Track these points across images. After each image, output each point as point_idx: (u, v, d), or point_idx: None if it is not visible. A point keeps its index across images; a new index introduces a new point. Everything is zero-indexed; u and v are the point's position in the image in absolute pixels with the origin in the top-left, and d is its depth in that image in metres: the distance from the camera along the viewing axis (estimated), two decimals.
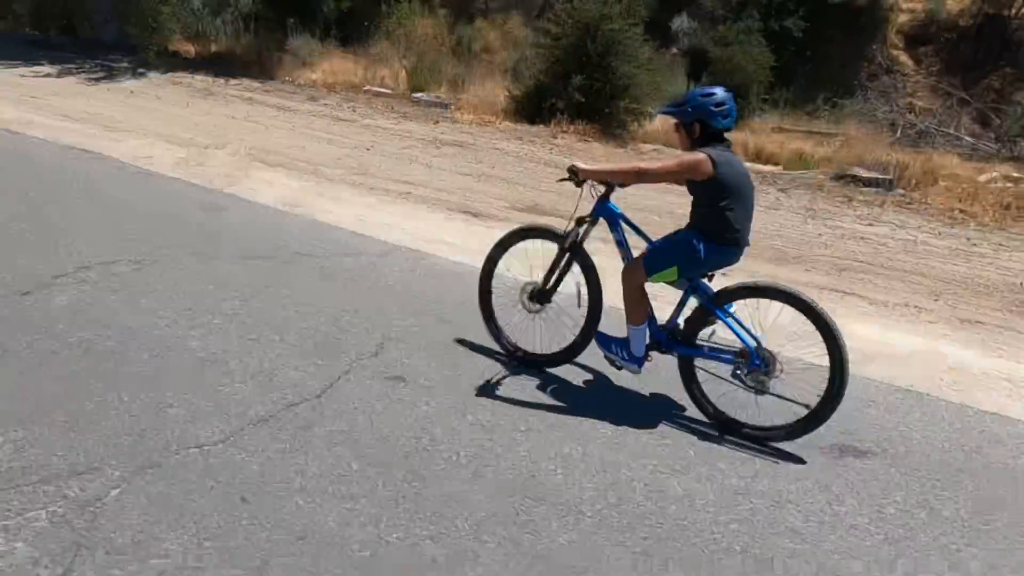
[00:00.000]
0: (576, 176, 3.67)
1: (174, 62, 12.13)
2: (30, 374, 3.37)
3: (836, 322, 3.27)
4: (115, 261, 4.66)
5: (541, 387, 3.71)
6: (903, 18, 21.60)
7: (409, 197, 7.25)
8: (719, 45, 18.60)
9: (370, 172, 7.99)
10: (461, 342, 4.11)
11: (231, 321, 4.06)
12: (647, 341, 3.63)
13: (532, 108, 10.83)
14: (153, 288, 4.36)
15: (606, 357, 3.75)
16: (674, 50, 19.56)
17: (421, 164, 8.45)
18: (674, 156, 3.45)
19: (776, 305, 3.36)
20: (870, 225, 7.66)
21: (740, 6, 19.59)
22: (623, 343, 3.66)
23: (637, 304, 3.57)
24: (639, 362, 3.64)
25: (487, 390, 3.63)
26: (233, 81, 11.40)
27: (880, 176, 9.09)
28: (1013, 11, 20.30)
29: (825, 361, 3.28)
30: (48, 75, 10.87)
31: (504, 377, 3.77)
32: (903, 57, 21.24)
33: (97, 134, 8.17)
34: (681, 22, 20.06)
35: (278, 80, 12.21)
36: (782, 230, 7.34)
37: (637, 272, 3.54)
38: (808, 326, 3.28)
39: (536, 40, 18.80)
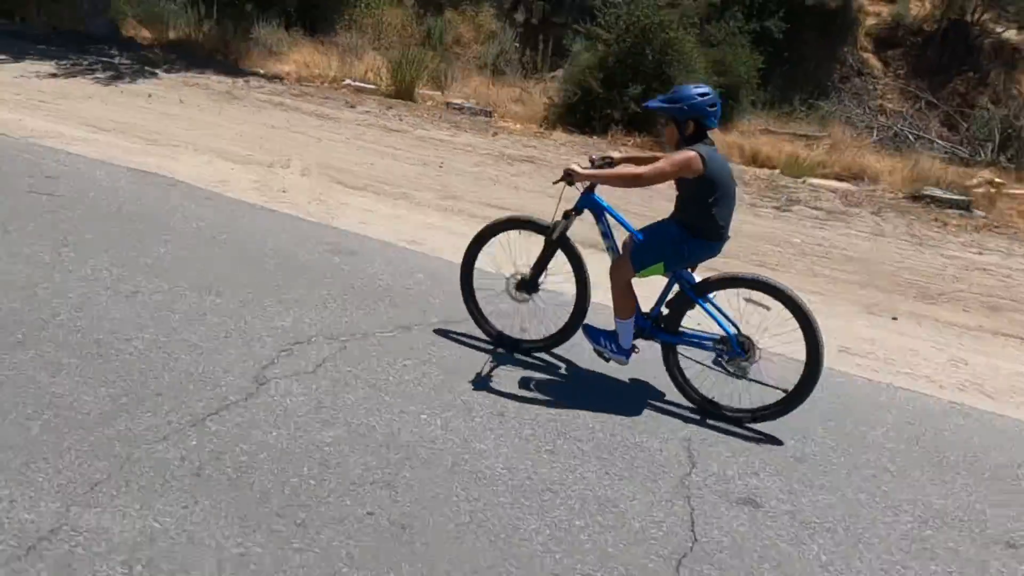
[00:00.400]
0: (571, 179, 3.65)
1: (176, 61, 10.85)
2: (345, 521, 2.61)
3: (813, 311, 3.47)
4: (311, 339, 3.84)
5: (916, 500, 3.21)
6: (870, 21, 22.00)
7: None
8: (706, 45, 18.36)
9: (458, 195, 7.25)
10: (793, 446, 3.57)
11: (503, 423, 3.37)
12: (633, 331, 3.73)
13: (582, 117, 10.22)
14: (381, 378, 3.59)
15: (595, 350, 3.86)
16: None
17: (505, 185, 7.75)
18: (665, 158, 3.48)
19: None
20: (980, 254, 7.48)
21: (723, 6, 19.40)
22: (611, 335, 3.77)
23: (625, 299, 3.67)
24: (627, 354, 3.77)
25: (863, 516, 3.10)
26: (254, 83, 10.27)
27: (955, 196, 8.97)
28: (976, 16, 20.97)
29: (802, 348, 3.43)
30: (46, 74, 9.44)
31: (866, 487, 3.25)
32: (872, 60, 21.65)
33: (143, 150, 7.05)
34: None
35: (290, 80, 11.16)
36: (905, 261, 7.07)
37: (625, 268, 3.64)
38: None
39: (510, 33, 18.04)
